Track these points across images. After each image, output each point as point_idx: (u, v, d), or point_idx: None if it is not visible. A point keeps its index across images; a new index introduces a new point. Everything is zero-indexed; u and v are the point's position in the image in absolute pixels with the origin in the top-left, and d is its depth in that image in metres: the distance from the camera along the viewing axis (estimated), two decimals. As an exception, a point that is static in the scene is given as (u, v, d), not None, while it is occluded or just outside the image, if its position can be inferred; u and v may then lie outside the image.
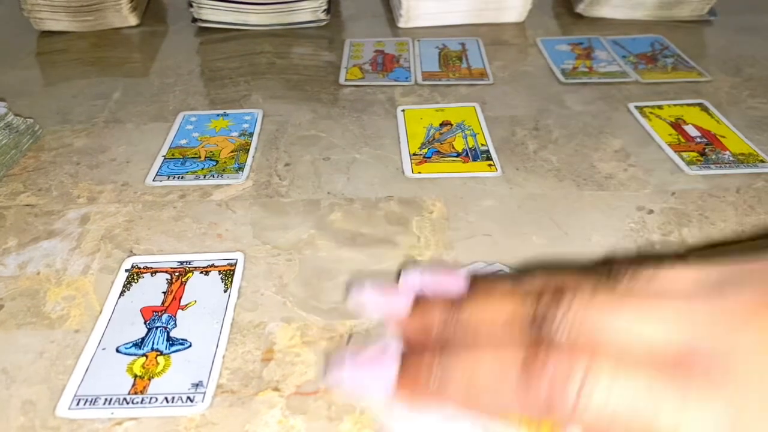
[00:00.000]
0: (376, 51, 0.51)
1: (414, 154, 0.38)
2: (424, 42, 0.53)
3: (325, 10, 0.54)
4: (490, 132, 0.40)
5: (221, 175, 0.36)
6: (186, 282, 0.29)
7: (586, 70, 0.47)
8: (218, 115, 0.42)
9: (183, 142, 0.39)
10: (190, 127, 0.41)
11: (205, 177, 0.36)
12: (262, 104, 0.44)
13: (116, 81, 0.47)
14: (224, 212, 0.33)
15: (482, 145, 0.38)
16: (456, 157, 0.37)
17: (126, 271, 0.30)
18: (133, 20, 0.56)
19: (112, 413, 0.23)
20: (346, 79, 0.47)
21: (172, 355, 0.25)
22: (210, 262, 0.30)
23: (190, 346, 0.26)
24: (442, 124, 0.40)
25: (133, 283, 0.29)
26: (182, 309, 0.28)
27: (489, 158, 0.37)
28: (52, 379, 0.25)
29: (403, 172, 0.36)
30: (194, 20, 0.55)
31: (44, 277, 0.30)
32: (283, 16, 0.54)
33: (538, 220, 0.32)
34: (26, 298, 0.28)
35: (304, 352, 0.25)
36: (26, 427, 0.23)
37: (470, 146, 0.38)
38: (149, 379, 0.24)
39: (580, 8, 0.56)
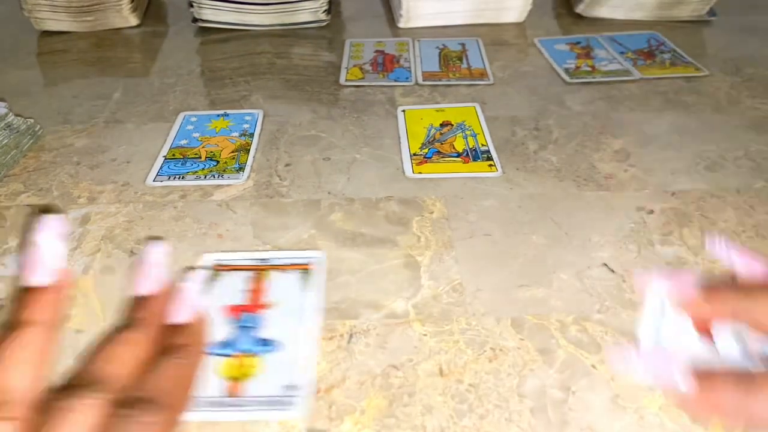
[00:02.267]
0: (376, 51, 0.51)
1: (414, 154, 0.38)
2: (424, 42, 0.53)
3: (325, 10, 0.54)
4: (490, 132, 0.40)
5: (222, 175, 0.36)
6: (266, 280, 0.29)
7: (589, 69, 0.47)
8: (218, 115, 0.42)
9: (183, 142, 0.39)
10: (190, 127, 0.41)
11: (205, 177, 0.36)
12: (262, 104, 0.44)
13: (116, 81, 0.47)
14: (225, 212, 0.33)
15: (482, 145, 0.38)
16: (456, 157, 0.37)
17: (205, 268, 0.29)
18: (133, 20, 0.56)
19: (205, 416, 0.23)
20: (346, 80, 0.47)
21: (262, 356, 0.25)
22: (290, 261, 0.30)
23: (279, 347, 0.25)
24: (443, 125, 0.40)
25: (214, 281, 0.29)
26: (265, 308, 0.27)
27: (489, 158, 0.37)
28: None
29: (403, 172, 0.36)
30: (195, 20, 0.55)
31: (45, 277, 0.30)
32: (284, 16, 0.54)
33: (538, 220, 0.32)
34: (27, 298, 0.28)
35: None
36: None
37: (470, 146, 0.38)
38: (241, 381, 0.24)
39: (580, 8, 0.56)
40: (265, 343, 0.26)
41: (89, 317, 0.27)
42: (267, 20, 0.54)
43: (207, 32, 0.55)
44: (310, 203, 0.34)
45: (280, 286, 0.28)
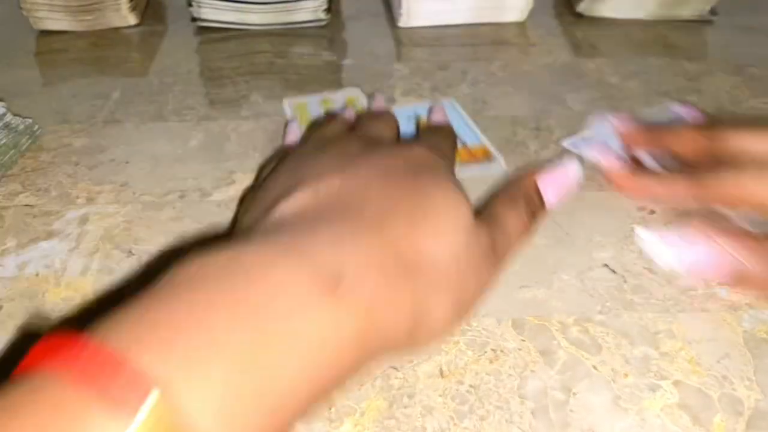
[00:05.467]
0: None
1: None
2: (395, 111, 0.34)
3: (325, 9, 0.54)
4: (490, 133, 0.40)
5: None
6: None
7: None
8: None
9: None
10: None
11: None
12: (261, 104, 0.44)
13: (115, 81, 0.47)
14: (224, 212, 0.33)
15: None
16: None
17: None
18: (132, 20, 0.56)
19: None
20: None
21: None
22: None
23: None
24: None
25: None
26: None
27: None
28: (50, 381, 0.24)
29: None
30: (194, 19, 0.54)
31: (43, 277, 0.29)
32: (283, 15, 0.54)
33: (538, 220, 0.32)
34: (25, 298, 0.28)
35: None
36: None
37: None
38: None
39: (581, 8, 0.56)
40: None
41: (89, 317, 0.27)
42: (266, 19, 0.54)
43: (206, 31, 0.55)
44: (309, 203, 0.34)
45: None
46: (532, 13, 0.55)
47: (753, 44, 0.52)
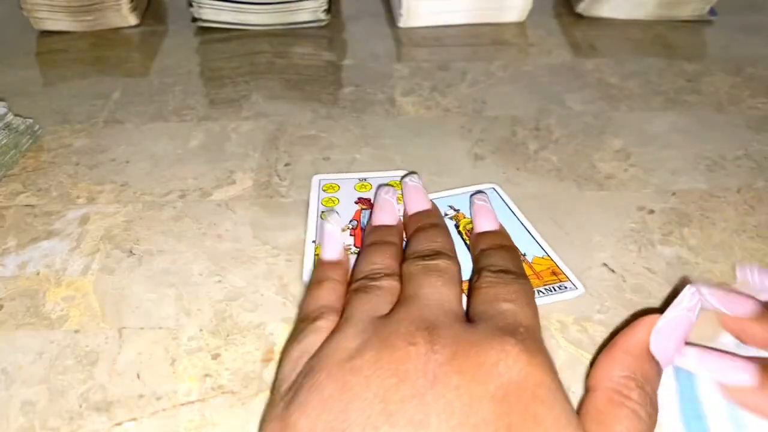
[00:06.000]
0: (358, 200, 0.33)
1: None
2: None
3: (325, 9, 0.54)
4: (490, 133, 0.40)
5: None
6: None
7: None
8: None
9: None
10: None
11: None
12: (261, 104, 0.44)
13: (116, 81, 0.47)
14: (224, 212, 0.33)
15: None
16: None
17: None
18: (132, 20, 0.56)
19: None
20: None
21: None
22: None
23: None
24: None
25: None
26: None
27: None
28: (51, 380, 0.25)
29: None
30: (194, 20, 0.54)
31: (44, 277, 0.30)
32: (283, 15, 0.54)
33: (539, 220, 0.32)
34: (26, 298, 0.28)
35: (304, 353, 0.25)
36: (26, 428, 0.23)
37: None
38: None
39: (581, 8, 0.56)
40: None
41: (88, 317, 0.27)
42: (267, 20, 0.54)
43: (206, 32, 0.55)
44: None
45: None
46: (532, 14, 0.55)
47: (752, 44, 0.52)
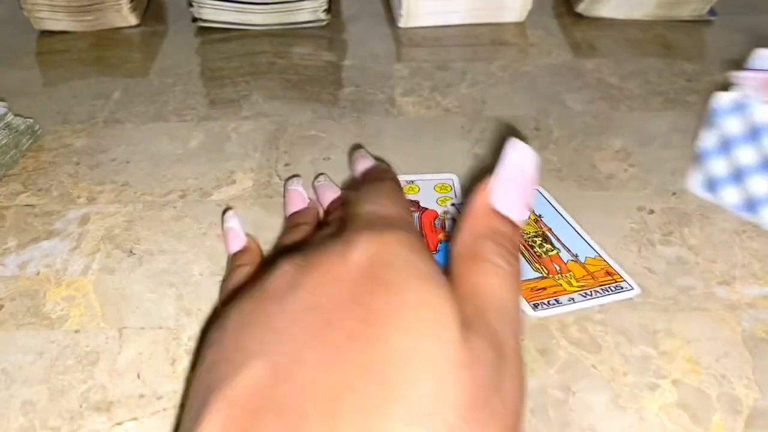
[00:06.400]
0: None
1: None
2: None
3: (325, 9, 0.54)
4: (490, 133, 0.40)
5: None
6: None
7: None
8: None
9: None
10: None
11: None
12: (262, 104, 0.44)
13: (116, 81, 0.47)
14: (224, 212, 0.33)
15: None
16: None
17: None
18: (133, 20, 0.56)
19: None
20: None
21: None
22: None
23: None
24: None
25: None
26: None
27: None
28: (51, 380, 0.25)
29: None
30: (194, 20, 0.54)
31: (44, 277, 0.30)
32: (283, 15, 0.54)
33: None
34: (26, 298, 0.28)
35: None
36: (26, 428, 0.23)
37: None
38: None
39: (581, 8, 0.56)
40: None
41: (89, 317, 0.27)
42: (267, 20, 0.54)
43: (207, 32, 0.55)
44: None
45: None
46: (532, 14, 0.55)
47: (752, 44, 0.51)
